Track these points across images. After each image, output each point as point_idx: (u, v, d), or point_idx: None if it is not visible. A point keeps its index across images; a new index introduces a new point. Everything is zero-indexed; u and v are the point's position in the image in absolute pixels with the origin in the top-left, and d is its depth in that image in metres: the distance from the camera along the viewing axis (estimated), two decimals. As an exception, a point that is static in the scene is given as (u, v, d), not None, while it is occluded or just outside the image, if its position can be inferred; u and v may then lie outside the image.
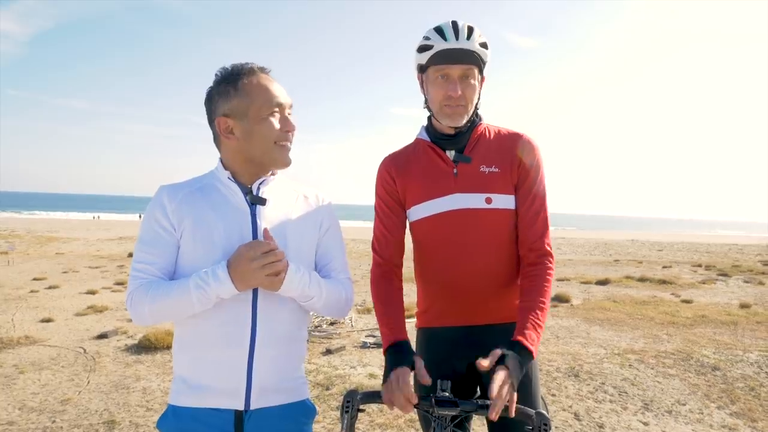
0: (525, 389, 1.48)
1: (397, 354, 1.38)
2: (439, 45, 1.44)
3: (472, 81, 1.47)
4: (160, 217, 1.31)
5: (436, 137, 1.58)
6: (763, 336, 6.34)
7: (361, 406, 1.29)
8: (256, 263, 1.21)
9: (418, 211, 1.57)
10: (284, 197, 1.42)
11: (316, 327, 6.13)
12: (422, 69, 1.52)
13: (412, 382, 1.32)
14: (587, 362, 5.10)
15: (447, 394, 1.28)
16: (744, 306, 8.37)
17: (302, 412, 1.40)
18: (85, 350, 5.25)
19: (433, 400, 1.26)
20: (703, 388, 4.45)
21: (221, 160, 1.40)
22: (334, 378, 4.48)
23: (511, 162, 1.53)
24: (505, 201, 1.52)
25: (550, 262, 1.51)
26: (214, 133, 1.37)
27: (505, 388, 1.21)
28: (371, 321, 6.88)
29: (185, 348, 1.34)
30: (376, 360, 5.07)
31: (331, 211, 1.51)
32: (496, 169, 1.52)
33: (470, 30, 1.44)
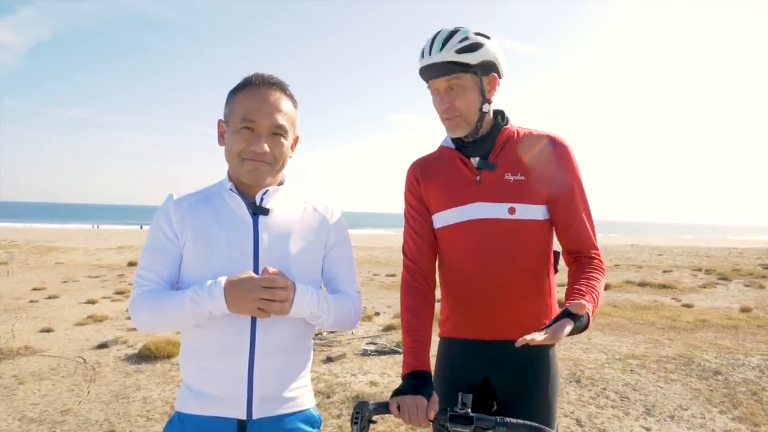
0: (544, 413, 1.44)
1: (418, 382, 1.35)
2: (420, 62, 1.43)
3: (461, 90, 1.42)
4: (165, 225, 1.33)
5: (459, 143, 1.53)
6: (765, 340, 6.33)
7: (373, 417, 1.27)
8: (253, 294, 1.21)
9: (440, 219, 1.53)
10: (291, 208, 1.41)
11: (317, 335, 6.12)
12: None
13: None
14: (588, 368, 5.08)
15: (467, 409, 1.24)
16: (745, 310, 8.36)
17: (306, 421, 1.39)
18: (85, 360, 5.23)
19: (448, 414, 1.24)
20: (704, 392, 4.44)
21: (228, 170, 1.40)
22: (334, 386, 4.46)
23: (541, 169, 1.44)
24: (530, 211, 1.44)
25: (595, 259, 1.46)
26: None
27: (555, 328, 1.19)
28: (372, 328, 6.87)
29: (189, 356, 1.34)
30: (377, 368, 5.06)
31: (339, 223, 1.48)
32: (522, 177, 1.44)
33: (448, 38, 1.39)
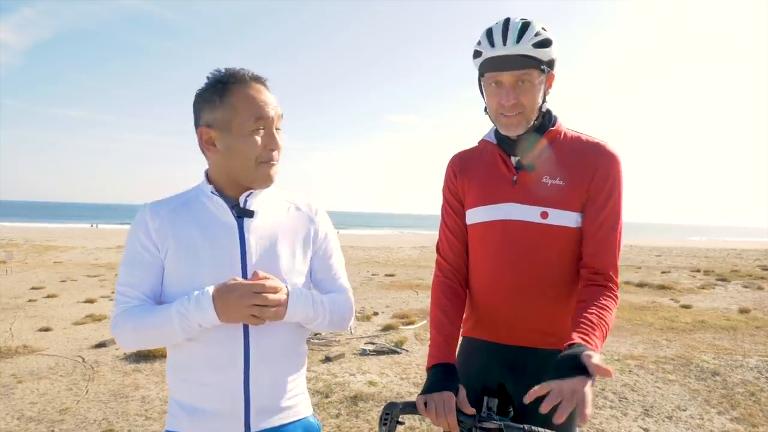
0: (561, 425, 1.40)
1: (444, 375, 1.31)
2: (488, 52, 1.34)
3: (530, 86, 1.35)
4: (143, 237, 1.25)
5: (501, 140, 1.47)
6: (763, 341, 6.34)
7: (400, 418, 1.25)
8: (245, 301, 1.15)
9: (473, 215, 1.49)
10: (274, 209, 1.35)
11: (315, 335, 6.12)
12: (480, 74, 1.43)
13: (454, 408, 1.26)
14: (587, 368, 5.08)
15: (494, 416, 1.24)
16: (743, 311, 8.38)
17: (305, 430, 1.35)
18: (83, 359, 5.23)
19: (477, 419, 1.22)
20: (703, 393, 4.44)
21: (206, 173, 1.33)
22: (333, 386, 4.46)
23: (582, 176, 1.37)
24: (564, 218, 1.38)
25: (612, 287, 1.33)
26: (198, 141, 1.30)
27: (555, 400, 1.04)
28: (370, 328, 6.87)
29: (178, 371, 1.27)
30: (375, 367, 5.06)
31: (325, 220, 1.44)
32: (561, 182, 1.38)
33: (523, 29, 1.31)
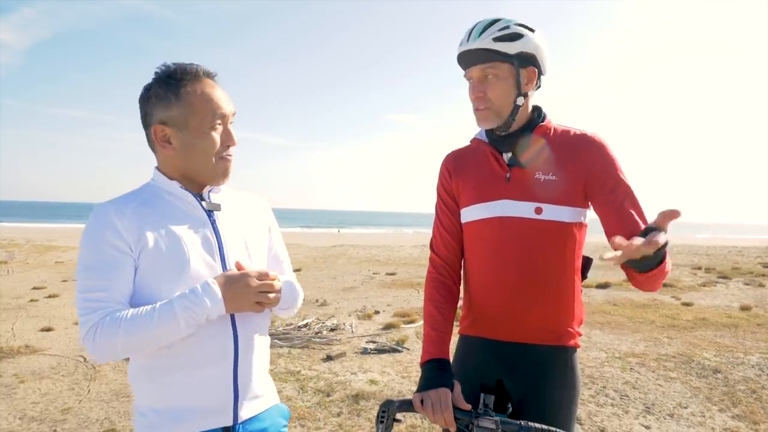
0: (558, 420, 1.38)
1: (438, 371, 1.33)
2: (458, 50, 1.40)
3: (495, 80, 1.38)
4: (112, 237, 1.16)
5: (492, 138, 1.49)
6: (764, 338, 6.34)
7: (397, 416, 1.26)
8: (252, 289, 1.20)
9: (467, 214, 1.51)
10: (232, 203, 1.38)
11: (317, 333, 6.12)
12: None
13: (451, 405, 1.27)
14: (588, 366, 5.09)
15: (491, 412, 1.24)
16: (744, 308, 8.36)
17: (281, 414, 1.39)
18: (85, 359, 5.23)
19: (473, 416, 1.22)
20: (704, 391, 4.44)
21: (158, 170, 1.30)
22: (334, 384, 4.47)
23: (575, 171, 1.39)
24: (558, 213, 1.39)
25: None
26: (148, 138, 1.28)
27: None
28: (371, 327, 6.87)
29: (161, 373, 1.20)
30: (377, 366, 5.07)
31: (271, 211, 1.51)
32: (554, 177, 1.39)
33: (488, 26, 1.36)
